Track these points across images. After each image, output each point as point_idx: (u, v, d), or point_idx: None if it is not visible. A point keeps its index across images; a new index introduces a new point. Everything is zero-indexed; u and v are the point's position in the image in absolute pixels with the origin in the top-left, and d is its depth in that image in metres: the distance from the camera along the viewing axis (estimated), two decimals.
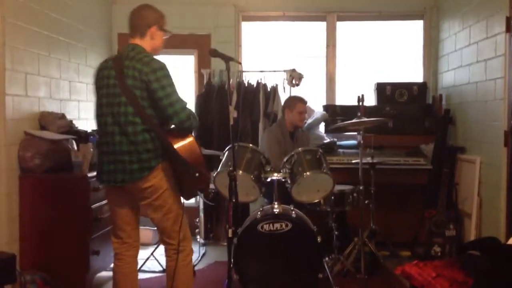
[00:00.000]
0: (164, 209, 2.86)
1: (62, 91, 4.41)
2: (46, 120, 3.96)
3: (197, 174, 2.74)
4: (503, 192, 4.07)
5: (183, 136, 2.83)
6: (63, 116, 4.11)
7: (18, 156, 3.67)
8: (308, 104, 4.85)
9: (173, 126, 2.87)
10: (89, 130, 4.23)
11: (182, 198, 2.97)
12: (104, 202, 3.88)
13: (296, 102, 4.61)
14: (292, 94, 5.22)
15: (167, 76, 2.77)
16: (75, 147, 3.85)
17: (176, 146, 2.76)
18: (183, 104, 2.77)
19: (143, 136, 2.75)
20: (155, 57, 2.87)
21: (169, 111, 2.73)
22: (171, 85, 2.77)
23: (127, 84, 2.73)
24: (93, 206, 3.72)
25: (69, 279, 3.62)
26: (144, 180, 2.77)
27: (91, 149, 3.84)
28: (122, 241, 2.99)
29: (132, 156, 2.76)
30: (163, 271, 4.36)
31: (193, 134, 2.96)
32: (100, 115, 2.88)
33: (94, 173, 3.74)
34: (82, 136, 4.01)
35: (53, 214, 3.65)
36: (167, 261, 3.01)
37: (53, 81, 4.26)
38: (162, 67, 2.78)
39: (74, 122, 4.24)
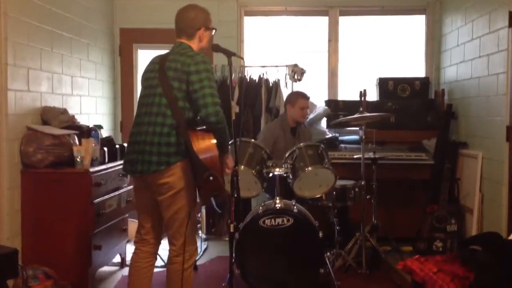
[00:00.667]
0: (175, 208, 2.84)
1: (64, 86, 4.42)
2: (48, 115, 3.96)
3: (211, 178, 2.66)
4: (504, 188, 4.07)
5: (205, 138, 2.77)
6: (65, 111, 4.12)
7: (20, 151, 3.67)
8: (310, 99, 4.85)
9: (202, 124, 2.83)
10: (91, 125, 4.23)
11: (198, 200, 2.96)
12: (106, 197, 3.91)
13: (298, 98, 4.61)
14: (294, 90, 5.22)
15: (208, 70, 2.78)
16: (77, 142, 3.85)
17: (194, 144, 2.71)
18: (215, 100, 2.73)
19: (169, 129, 2.75)
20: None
21: (199, 102, 2.72)
22: (210, 79, 2.76)
23: (167, 75, 2.78)
24: (95, 201, 3.72)
25: (71, 274, 3.63)
26: (160, 175, 2.76)
27: (93, 144, 3.85)
28: (141, 236, 3.01)
29: (153, 147, 2.76)
30: (165, 266, 4.38)
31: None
32: (138, 106, 2.95)
33: (96, 168, 3.79)
34: (84, 131, 4.01)
35: (55, 209, 3.66)
36: (167, 263, 3.00)
37: (55, 76, 4.26)
38: (205, 61, 2.79)
39: (76, 117, 4.23)
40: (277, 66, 5.49)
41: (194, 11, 2.98)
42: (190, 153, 2.71)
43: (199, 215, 5.01)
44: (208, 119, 2.72)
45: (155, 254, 3.07)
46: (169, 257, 2.97)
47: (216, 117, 2.72)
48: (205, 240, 5.15)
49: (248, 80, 5.49)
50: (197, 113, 2.78)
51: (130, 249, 4.69)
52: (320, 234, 3.58)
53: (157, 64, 2.89)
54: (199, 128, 2.82)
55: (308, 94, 4.75)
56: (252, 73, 5.54)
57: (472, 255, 2.83)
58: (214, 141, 2.79)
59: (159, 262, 4.42)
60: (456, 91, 5.18)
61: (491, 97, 4.32)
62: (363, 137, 4.30)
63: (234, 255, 3.21)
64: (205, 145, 2.75)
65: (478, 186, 4.53)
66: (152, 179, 2.82)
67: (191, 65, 2.75)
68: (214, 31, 3.06)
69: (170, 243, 2.95)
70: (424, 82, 5.53)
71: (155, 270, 3.99)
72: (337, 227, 4.21)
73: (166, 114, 2.77)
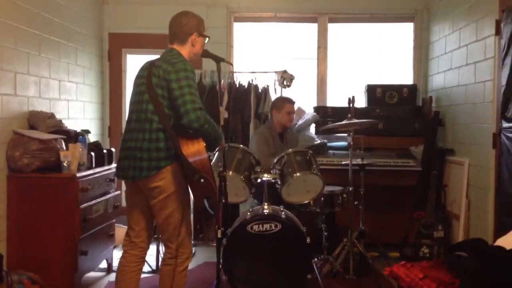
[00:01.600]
0: (168, 212, 2.85)
1: (51, 91, 4.39)
2: (35, 119, 3.94)
3: (202, 180, 2.70)
4: (491, 194, 4.10)
5: (194, 141, 2.81)
6: (52, 116, 4.09)
7: (6, 156, 3.64)
8: (298, 105, 4.87)
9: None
10: (78, 130, 4.21)
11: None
12: (93, 202, 3.89)
13: (284, 103, 4.62)
14: (282, 95, 5.23)
15: (188, 77, 2.78)
16: (64, 147, 3.82)
17: (184, 148, 2.75)
18: (195, 105, 2.74)
19: (157, 135, 2.79)
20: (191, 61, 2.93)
21: (181, 110, 2.73)
22: (190, 86, 2.76)
23: (152, 82, 2.81)
24: (82, 206, 3.70)
25: (57, 279, 3.59)
26: (152, 179, 2.79)
27: (80, 149, 3.82)
28: (130, 239, 3.01)
29: (143, 153, 2.80)
30: (152, 271, 4.36)
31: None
32: (129, 113, 2.99)
33: (83, 173, 3.77)
34: (71, 136, 3.99)
35: (41, 214, 3.63)
36: (161, 264, 3.01)
37: (43, 80, 4.24)
38: (186, 69, 2.80)
39: (63, 121, 4.21)
40: (266, 72, 5.50)
41: (186, 17, 3.01)
42: (180, 157, 2.74)
43: None
44: (191, 126, 2.73)
45: (143, 258, 3.06)
46: (164, 259, 2.98)
47: (198, 122, 2.73)
48: (193, 245, 5.13)
49: (237, 86, 5.50)
50: (179, 120, 2.78)
51: (117, 254, 4.67)
52: (308, 240, 3.58)
53: (146, 70, 2.92)
54: (185, 133, 2.82)
55: (296, 100, 4.77)
56: (242, 79, 5.55)
57: (458, 261, 2.85)
58: (203, 144, 2.82)
59: (146, 268, 4.42)
60: (444, 99, 5.22)
61: (478, 104, 4.36)
62: (351, 143, 4.32)
63: (221, 260, 3.22)
64: (195, 148, 2.79)
65: (465, 193, 4.56)
66: (143, 184, 2.84)
67: (172, 73, 2.77)
68: (207, 38, 3.08)
69: (165, 246, 2.97)
70: (412, 89, 5.57)
71: (142, 276, 3.96)
72: (325, 233, 4.21)
73: (153, 120, 2.81)
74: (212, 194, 2.83)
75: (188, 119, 2.71)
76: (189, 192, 2.92)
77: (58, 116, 4.24)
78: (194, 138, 2.82)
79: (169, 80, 2.77)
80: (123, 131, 5.77)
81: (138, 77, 2.99)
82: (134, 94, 2.97)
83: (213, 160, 3.86)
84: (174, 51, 2.95)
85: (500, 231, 3.73)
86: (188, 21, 2.99)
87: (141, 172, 2.81)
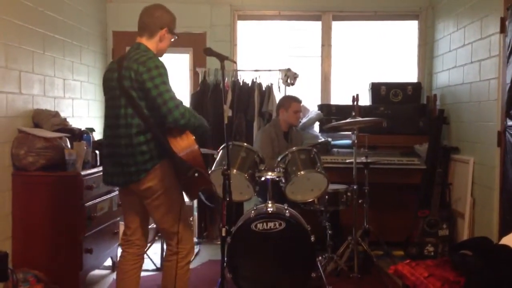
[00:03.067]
0: (162, 210, 2.86)
1: (56, 89, 4.40)
2: (40, 117, 3.95)
3: (196, 174, 2.70)
4: (496, 192, 4.08)
5: (182, 135, 2.79)
6: (57, 114, 4.10)
7: (11, 154, 3.65)
8: (303, 103, 4.86)
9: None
10: (83, 128, 4.22)
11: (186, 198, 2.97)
12: (98, 200, 3.89)
13: (291, 102, 4.62)
14: (287, 94, 5.23)
15: (161, 74, 2.72)
16: (69, 145, 3.84)
17: (174, 146, 2.73)
18: (176, 102, 2.71)
19: (138, 139, 2.75)
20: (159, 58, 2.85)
21: (163, 110, 2.68)
22: (165, 83, 2.72)
23: (124, 85, 2.73)
24: (87, 204, 3.71)
25: (62, 277, 3.61)
26: (141, 182, 2.79)
27: (85, 147, 3.84)
28: (127, 238, 3.03)
29: (129, 159, 2.77)
30: (157, 269, 4.37)
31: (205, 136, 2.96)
32: (105, 117, 2.93)
33: (88, 171, 3.78)
34: (76, 134, 4.00)
35: (46, 212, 3.64)
36: (164, 260, 3.04)
37: (47, 79, 4.24)
38: (158, 65, 2.74)
39: (68, 120, 4.22)
40: (270, 70, 5.50)
41: (160, 10, 2.96)
42: (171, 155, 2.72)
43: (191, 219, 4.99)
44: (178, 123, 2.71)
45: (141, 256, 3.07)
46: (166, 255, 3.01)
47: (183, 118, 2.70)
48: (197, 244, 5.14)
49: (241, 84, 5.49)
50: (161, 119, 2.74)
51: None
52: (312, 238, 3.59)
53: (115, 72, 2.82)
54: (172, 129, 2.81)
55: (301, 98, 4.77)
56: (245, 77, 5.54)
57: (462, 259, 2.84)
58: (192, 137, 2.82)
59: (150, 266, 4.43)
60: (448, 97, 5.21)
61: (483, 102, 4.35)
62: (356, 141, 4.30)
63: (226, 259, 3.22)
64: (185, 143, 2.78)
65: (470, 191, 4.54)
66: (135, 187, 2.84)
67: (144, 74, 2.70)
68: (175, 37, 3.02)
69: (167, 243, 3.00)
70: (416, 87, 5.55)
71: (147, 274, 3.98)
72: (329, 231, 4.21)
73: (133, 124, 2.75)
74: (207, 186, 2.82)
75: (173, 117, 2.68)
76: (181, 188, 2.89)
77: (62, 115, 4.25)
78: (182, 132, 2.80)
79: (142, 81, 2.69)
80: None
81: (108, 79, 2.89)
82: (109, 99, 2.88)
83: (217, 159, 3.87)
84: (141, 46, 2.87)
85: (505, 230, 3.73)
86: (161, 15, 2.94)
87: (130, 177, 2.79)
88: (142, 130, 2.74)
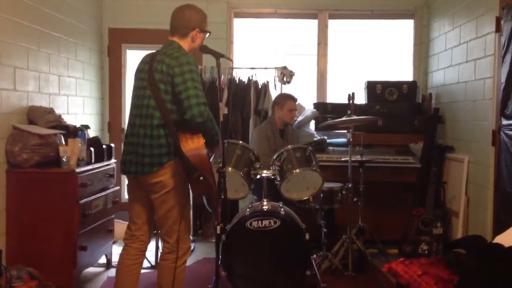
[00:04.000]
0: (168, 206, 2.87)
1: (51, 86, 4.39)
2: (35, 114, 3.93)
3: (201, 178, 2.71)
4: (490, 191, 4.10)
5: (194, 137, 2.80)
6: (51, 111, 4.09)
7: (6, 151, 3.64)
8: (298, 101, 4.86)
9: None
10: (78, 125, 4.21)
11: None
12: (92, 197, 3.88)
13: (287, 100, 4.62)
14: (283, 92, 5.22)
15: (192, 71, 2.77)
16: (63, 142, 3.82)
17: (182, 144, 2.74)
18: (199, 100, 2.73)
19: (158, 131, 2.79)
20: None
21: (184, 104, 2.73)
22: (193, 80, 2.76)
23: (154, 78, 2.79)
24: (81, 201, 3.70)
25: (56, 274, 3.60)
26: (153, 175, 2.81)
27: (80, 144, 3.82)
28: (132, 233, 3.03)
29: (145, 150, 2.81)
30: (151, 267, 4.37)
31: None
32: (131, 107, 2.98)
33: (83, 169, 3.77)
34: (70, 131, 3.99)
35: (40, 209, 3.63)
36: (159, 259, 3.03)
37: (42, 75, 4.23)
38: (190, 62, 2.79)
39: (63, 117, 4.21)
40: (266, 68, 5.49)
41: (189, 11, 2.99)
42: (180, 154, 2.74)
43: None
44: (194, 120, 2.73)
45: (144, 252, 3.08)
46: (162, 254, 2.99)
47: (202, 117, 2.73)
48: (192, 241, 5.12)
49: (237, 82, 5.49)
50: (183, 115, 2.78)
51: (116, 250, 4.67)
52: (307, 236, 3.59)
53: (147, 64, 2.90)
54: (186, 129, 2.82)
55: (296, 97, 4.77)
56: (241, 75, 5.53)
57: (456, 258, 2.85)
58: (203, 140, 2.81)
59: (145, 263, 4.42)
60: (443, 95, 5.22)
61: (478, 101, 4.36)
62: (351, 140, 4.31)
63: (220, 256, 3.22)
64: (194, 145, 2.78)
65: (464, 190, 4.56)
66: (145, 179, 2.86)
67: (175, 67, 2.76)
68: (208, 34, 3.07)
69: (164, 240, 2.98)
70: (412, 86, 5.56)
71: (142, 271, 3.97)
72: (324, 230, 4.22)
73: (154, 116, 2.80)
74: (210, 192, 2.83)
75: (191, 113, 2.71)
76: (188, 188, 2.92)
77: (57, 111, 4.24)
78: (194, 134, 2.80)
79: (173, 75, 2.75)
80: (122, 126, 5.84)
81: (139, 71, 2.97)
82: (136, 88, 2.97)
83: (212, 156, 3.86)
84: (174, 43, 2.93)
85: (499, 228, 3.73)
86: (192, 16, 2.97)
87: (143, 168, 2.82)
88: (163, 124, 2.79)
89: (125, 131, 3.06)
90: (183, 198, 2.90)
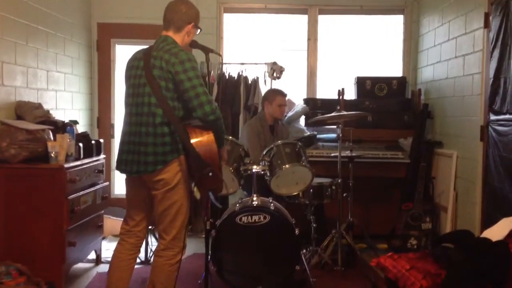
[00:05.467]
0: (168, 203, 2.84)
1: (39, 81, 4.36)
2: (23, 109, 3.90)
3: (210, 174, 2.69)
4: (478, 186, 4.13)
5: (204, 133, 2.77)
6: (39, 106, 4.06)
7: None
8: (288, 97, 4.86)
9: (196, 119, 2.80)
10: (66, 121, 4.18)
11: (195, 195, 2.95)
12: (81, 193, 3.86)
13: (276, 95, 4.62)
14: (273, 87, 5.22)
15: (194, 68, 2.74)
16: (52, 138, 3.80)
17: (193, 140, 2.71)
18: (209, 98, 2.71)
19: (161, 129, 2.75)
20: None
21: (194, 103, 2.69)
22: (198, 77, 2.73)
23: (153, 74, 2.74)
24: (70, 197, 3.67)
25: (45, 270, 3.57)
26: (157, 172, 2.77)
27: (68, 140, 3.79)
28: (129, 228, 3.01)
29: (148, 148, 2.76)
30: (141, 263, 4.36)
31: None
32: (126, 105, 2.92)
33: (71, 164, 3.74)
34: (59, 127, 3.95)
35: (29, 205, 3.60)
36: (154, 256, 3.02)
37: (30, 70, 4.20)
38: (190, 58, 2.76)
39: (51, 112, 4.18)
40: (256, 64, 5.49)
41: (187, 5, 2.96)
42: (189, 149, 2.71)
43: None
44: (206, 118, 2.70)
45: (138, 247, 3.07)
46: (157, 250, 2.96)
47: (214, 114, 2.71)
48: None
49: (227, 78, 5.48)
50: (189, 112, 2.75)
51: (105, 246, 4.67)
52: (297, 232, 3.60)
53: (141, 61, 2.84)
54: (194, 124, 2.80)
55: (286, 92, 4.77)
56: (231, 70, 5.53)
57: (444, 252, 2.87)
58: (212, 136, 2.79)
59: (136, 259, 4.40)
60: (433, 91, 5.24)
61: (466, 97, 4.38)
62: (341, 135, 4.32)
63: (210, 252, 3.22)
64: (204, 140, 2.76)
65: (453, 185, 4.59)
66: (148, 177, 2.83)
67: (176, 65, 2.71)
68: (199, 30, 3.05)
69: (160, 236, 2.95)
70: (401, 82, 5.58)
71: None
72: (314, 225, 4.23)
73: (156, 114, 2.76)
74: (219, 186, 2.82)
75: (203, 111, 2.68)
76: (190, 185, 2.89)
77: (46, 107, 4.20)
78: (204, 129, 2.78)
79: (175, 72, 2.70)
80: (112, 122, 5.80)
81: (133, 67, 2.90)
82: (132, 86, 2.88)
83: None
84: (169, 38, 2.89)
85: (487, 223, 3.77)
86: (188, 10, 2.94)
87: (146, 166, 2.78)
88: (166, 121, 2.75)
89: (115, 127, 3.02)
90: (184, 196, 2.87)
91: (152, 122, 2.76)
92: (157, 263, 2.93)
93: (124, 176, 3.01)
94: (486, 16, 4.02)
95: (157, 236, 3.22)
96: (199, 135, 2.76)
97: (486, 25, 4.02)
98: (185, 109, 2.77)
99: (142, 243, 3.09)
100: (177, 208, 2.86)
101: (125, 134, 2.91)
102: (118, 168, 2.97)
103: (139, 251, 3.08)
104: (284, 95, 4.67)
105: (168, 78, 2.73)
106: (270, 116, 4.65)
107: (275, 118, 4.68)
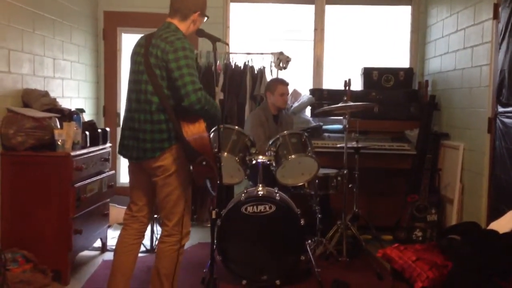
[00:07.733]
0: (169, 189, 2.86)
1: (46, 69, 4.35)
2: (29, 97, 3.90)
3: (204, 163, 2.71)
4: (485, 179, 4.12)
5: (195, 122, 2.79)
6: (46, 94, 4.06)
7: (0, 134, 3.61)
8: (294, 87, 4.83)
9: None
10: (73, 109, 4.18)
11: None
12: (87, 181, 3.87)
13: (277, 85, 4.60)
14: (278, 77, 5.20)
15: (187, 56, 2.73)
16: (58, 126, 3.80)
17: (184, 130, 2.73)
18: (195, 86, 2.70)
19: (158, 116, 2.78)
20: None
21: (181, 92, 2.70)
22: (188, 66, 2.72)
23: (150, 62, 2.77)
24: (76, 185, 3.68)
25: (51, 257, 3.59)
26: (155, 159, 2.81)
27: (75, 128, 3.80)
28: (132, 214, 3.04)
29: (146, 135, 2.80)
30: (147, 251, 4.38)
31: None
32: (128, 91, 2.95)
33: (78, 152, 3.75)
34: (65, 115, 3.95)
35: (35, 193, 3.62)
36: (158, 242, 3.03)
37: (37, 58, 4.19)
38: (185, 47, 2.74)
39: (57, 100, 4.17)
40: (262, 54, 5.47)
41: None
42: (181, 140, 2.73)
43: None
44: (192, 107, 2.71)
45: (143, 233, 3.09)
46: (161, 237, 2.99)
47: (199, 103, 2.70)
48: None
49: (233, 67, 5.46)
50: (180, 101, 2.76)
51: (111, 234, 4.69)
52: (302, 222, 3.60)
53: (142, 48, 2.86)
54: (187, 114, 2.80)
55: (292, 82, 4.75)
56: (238, 60, 5.51)
57: (450, 244, 2.87)
58: (204, 125, 2.81)
59: (141, 248, 4.42)
60: (440, 82, 5.21)
61: (474, 88, 4.36)
62: (347, 126, 4.31)
63: (215, 241, 3.23)
64: (195, 130, 2.77)
65: (459, 177, 4.58)
66: (147, 164, 2.86)
67: (170, 53, 2.72)
68: (206, 18, 3.03)
69: (163, 223, 2.98)
70: (408, 73, 5.55)
71: (139, 255, 3.95)
72: (319, 215, 4.23)
73: (153, 102, 2.78)
74: (213, 176, 2.84)
75: (189, 101, 2.69)
76: (190, 172, 2.90)
77: (52, 95, 4.20)
78: (195, 119, 2.79)
79: (168, 60, 2.72)
80: (118, 110, 5.81)
81: (135, 54, 2.93)
82: (132, 72, 2.93)
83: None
84: (172, 25, 2.88)
85: (493, 215, 3.76)
86: None
87: (145, 153, 2.82)
88: (163, 108, 2.77)
89: (121, 115, 3.03)
90: (184, 182, 2.90)
91: (149, 110, 2.79)
92: (161, 249, 2.96)
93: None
94: (495, 7, 3.98)
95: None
96: (190, 125, 2.77)
97: (495, 16, 3.98)
98: (176, 98, 2.78)
99: (146, 229, 3.11)
100: (177, 194, 2.88)
101: (126, 119, 2.95)
102: (120, 152, 3.01)
103: (143, 237, 3.10)
104: (285, 84, 4.63)
105: (162, 66, 2.75)
106: (273, 105, 4.63)
107: (279, 108, 4.66)
